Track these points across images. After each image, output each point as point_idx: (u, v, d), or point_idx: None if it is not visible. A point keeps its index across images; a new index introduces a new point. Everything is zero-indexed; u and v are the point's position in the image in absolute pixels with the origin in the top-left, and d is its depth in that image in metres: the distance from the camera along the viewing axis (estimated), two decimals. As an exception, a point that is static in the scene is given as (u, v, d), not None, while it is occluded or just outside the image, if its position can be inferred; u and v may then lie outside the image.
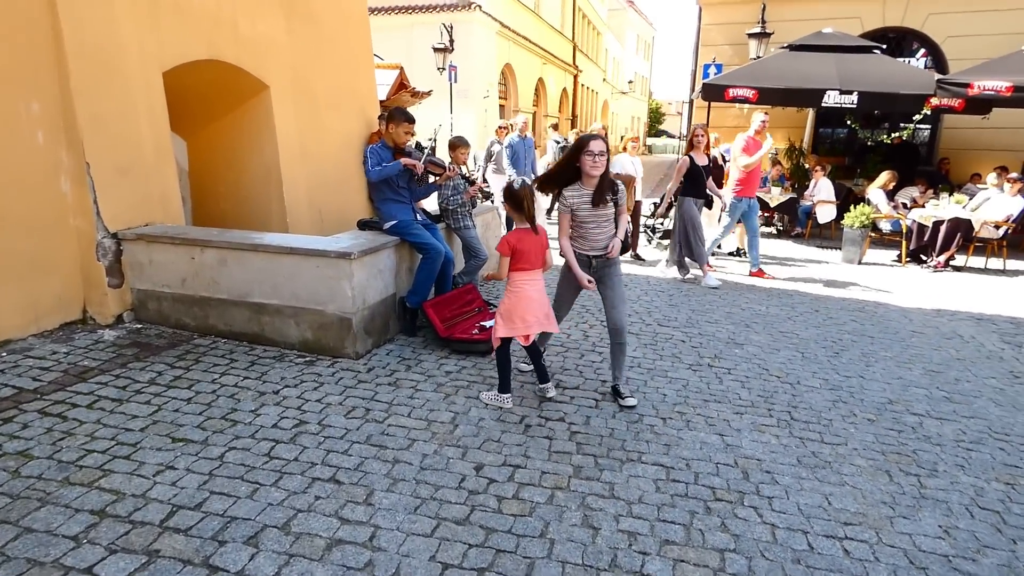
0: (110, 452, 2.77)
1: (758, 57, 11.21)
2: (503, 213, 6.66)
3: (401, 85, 8.84)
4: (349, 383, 3.63)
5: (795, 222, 9.92)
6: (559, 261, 3.59)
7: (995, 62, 8.41)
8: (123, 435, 2.92)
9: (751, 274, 6.87)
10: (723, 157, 8.13)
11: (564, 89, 27.88)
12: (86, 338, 4.09)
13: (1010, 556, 2.32)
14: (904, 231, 7.99)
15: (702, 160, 6.34)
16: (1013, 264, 7.86)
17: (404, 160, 4.30)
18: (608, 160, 3.32)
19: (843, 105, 8.68)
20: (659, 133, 50.84)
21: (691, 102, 13.74)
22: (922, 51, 11.60)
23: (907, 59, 11.39)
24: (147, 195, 4.59)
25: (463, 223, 5.05)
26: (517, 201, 3.30)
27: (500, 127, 9.26)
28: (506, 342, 3.43)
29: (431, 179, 4.87)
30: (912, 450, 3.09)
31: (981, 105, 8.45)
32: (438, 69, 16.01)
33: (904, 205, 8.72)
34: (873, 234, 8.22)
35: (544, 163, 9.31)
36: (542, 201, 5.70)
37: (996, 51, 9.32)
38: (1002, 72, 7.88)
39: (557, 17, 26.34)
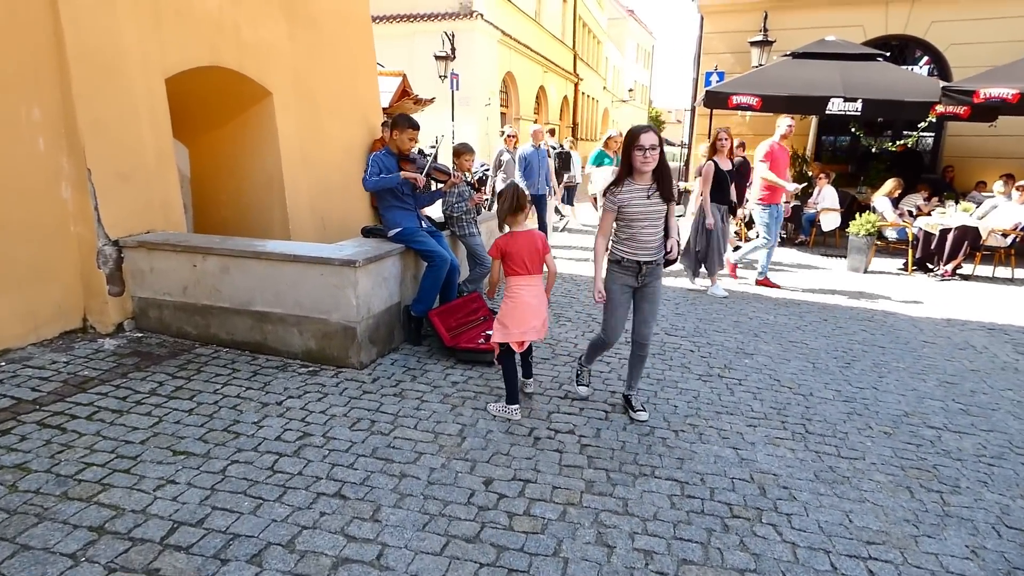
0: (110, 465, 2.70)
1: (760, 65, 11.20)
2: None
3: (404, 92, 8.82)
4: (354, 394, 3.56)
5: (799, 230, 9.87)
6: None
7: (1001, 69, 8.39)
8: (123, 448, 2.85)
9: (758, 282, 6.80)
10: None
11: (565, 97, 27.94)
12: (86, 347, 4.02)
13: (1040, 577, 2.25)
14: (910, 239, 7.93)
15: (726, 165, 6.19)
16: (1022, 273, 7.79)
17: (404, 173, 4.22)
18: (661, 153, 3.05)
19: (847, 112, 8.65)
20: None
21: (693, 110, 13.72)
22: (925, 59, 11.59)
23: (910, 67, 11.38)
24: (149, 202, 4.53)
25: (468, 230, 5.00)
26: (499, 201, 3.37)
27: (509, 135, 8.99)
28: (510, 352, 3.37)
29: (436, 186, 4.82)
30: (932, 465, 3.02)
31: (987, 112, 8.41)
32: (440, 77, 16.03)
33: (910, 213, 8.67)
34: (879, 242, 8.17)
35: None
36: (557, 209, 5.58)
37: (1000, 59, 9.30)
38: (1008, 79, 7.85)
39: (558, 26, 26.43)
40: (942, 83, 8.70)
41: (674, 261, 3.34)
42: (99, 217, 4.17)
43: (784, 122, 6.56)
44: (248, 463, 2.77)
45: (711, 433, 3.27)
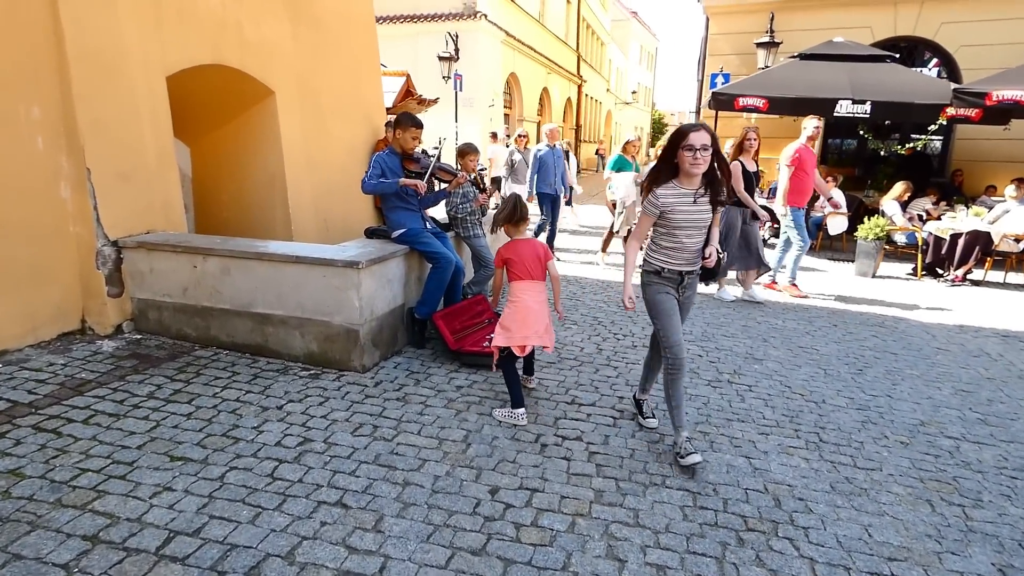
0: (105, 471, 2.62)
1: (766, 67, 11.11)
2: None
3: (408, 92, 8.76)
4: (356, 398, 3.48)
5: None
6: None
7: (1014, 71, 8.27)
8: (119, 453, 2.77)
9: (765, 286, 6.71)
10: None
11: (568, 99, 27.87)
12: (84, 349, 3.95)
13: (1069, 595, 2.15)
14: (920, 244, 7.83)
15: (751, 166, 5.99)
16: (1032, 278, 7.68)
17: (402, 180, 4.13)
18: (715, 153, 2.76)
19: (856, 115, 8.55)
20: (663, 143, 50.69)
21: (698, 111, 13.64)
22: (934, 61, 11.47)
23: (919, 69, 11.27)
24: (149, 202, 4.47)
25: (473, 232, 4.92)
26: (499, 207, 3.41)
27: (520, 135, 8.84)
28: (511, 356, 3.30)
29: (440, 186, 4.74)
30: (952, 477, 2.92)
31: (999, 115, 8.31)
32: (443, 78, 15.98)
33: (919, 217, 8.57)
34: (887, 247, 8.06)
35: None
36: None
37: (1011, 60, 9.19)
38: (1022, 82, 7.74)
39: (561, 27, 26.35)
40: (953, 85, 8.60)
41: (713, 271, 3.03)
42: (98, 217, 4.10)
43: (811, 123, 6.20)
44: (247, 470, 2.69)
45: (722, 441, 3.18)
